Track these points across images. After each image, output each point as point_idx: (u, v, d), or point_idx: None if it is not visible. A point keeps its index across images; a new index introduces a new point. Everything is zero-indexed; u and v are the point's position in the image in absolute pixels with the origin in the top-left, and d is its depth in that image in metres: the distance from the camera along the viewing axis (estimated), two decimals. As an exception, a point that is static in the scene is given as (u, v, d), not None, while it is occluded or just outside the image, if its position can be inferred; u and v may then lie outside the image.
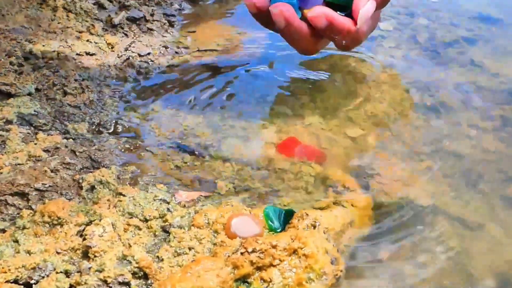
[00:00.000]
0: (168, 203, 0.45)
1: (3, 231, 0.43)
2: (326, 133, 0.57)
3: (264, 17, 0.54)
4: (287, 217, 0.44)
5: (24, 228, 0.42)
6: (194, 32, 0.75)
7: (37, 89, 0.59)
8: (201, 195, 0.47)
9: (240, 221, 0.43)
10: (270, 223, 0.44)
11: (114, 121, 0.58)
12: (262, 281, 0.39)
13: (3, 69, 0.60)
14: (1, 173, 0.47)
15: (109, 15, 0.73)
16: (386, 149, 0.56)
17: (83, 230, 0.42)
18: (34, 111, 0.56)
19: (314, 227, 0.42)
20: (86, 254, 0.40)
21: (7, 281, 0.38)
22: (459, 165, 0.54)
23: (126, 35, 0.72)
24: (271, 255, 0.39)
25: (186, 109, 0.60)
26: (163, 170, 0.51)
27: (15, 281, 0.38)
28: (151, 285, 0.39)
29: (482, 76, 0.67)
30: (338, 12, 0.53)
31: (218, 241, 0.41)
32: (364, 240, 0.46)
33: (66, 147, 0.51)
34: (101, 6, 0.74)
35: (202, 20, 0.78)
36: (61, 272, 0.39)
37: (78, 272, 0.39)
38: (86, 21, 0.71)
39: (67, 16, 0.71)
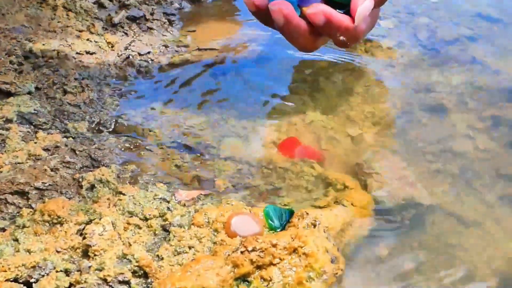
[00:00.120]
0: (168, 202, 0.45)
1: (3, 230, 0.43)
2: (327, 132, 0.57)
3: (263, 15, 0.54)
4: (287, 216, 0.44)
5: (24, 227, 0.42)
6: (194, 31, 0.75)
7: (37, 88, 0.59)
8: (201, 194, 0.47)
9: (240, 220, 0.43)
10: (270, 222, 0.44)
11: (114, 120, 0.58)
12: (262, 280, 0.39)
13: (3, 68, 0.60)
14: (1, 172, 0.47)
15: (109, 14, 0.73)
16: (386, 148, 0.56)
17: (83, 229, 0.42)
18: (34, 110, 0.56)
19: (314, 226, 0.42)
20: (86, 253, 0.40)
21: (7, 280, 0.38)
22: (459, 164, 0.54)
23: (126, 34, 0.72)
24: (271, 254, 0.39)
25: (186, 108, 0.60)
26: (163, 169, 0.51)
27: (15, 280, 0.38)
28: (151, 284, 0.39)
29: (482, 75, 0.67)
30: (337, 9, 0.53)
31: (218, 240, 0.41)
32: (364, 239, 0.46)
33: (66, 146, 0.51)
34: (101, 5, 0.74)
35: (202, 19, 0.78)
36: (61, 271, 0.39)
37: (78, 271, 0.39)
38: (86, 20, 0.71)
39: (67, 15, 0.71)
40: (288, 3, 0.52)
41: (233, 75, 0.67)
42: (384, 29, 0.76)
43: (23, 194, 0.46)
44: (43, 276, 0.39)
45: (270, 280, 0.39)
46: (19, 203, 0.45)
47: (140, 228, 0.43)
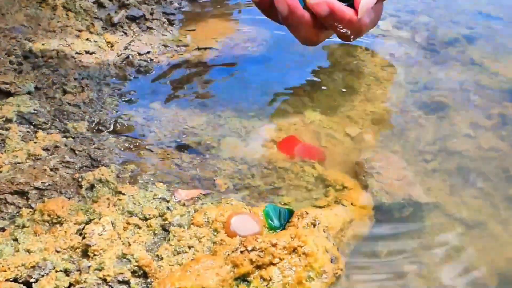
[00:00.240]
0: (168, 201, 0.45)
1: (3, 229, 0.43)
2: (326, 131, 0.57)
3: (267, 6, 0.55)
4: (287, 215, 0.44)
5: (23, 226, 0.42)
6: (193, 30, 0.75)
7: (36, 88, 0.59)
8: (201, 194, 0.47)
9: (240, 219, 0.43)
10: (270, 221, 0.43)
11: (113, 120, 0.58)
12: (262, 279, 0.39)
13: (2, 67, 0.60)
14: (1, 171, 0.47)
15: (109, 14, 0.73)
16: (386, 148, 0.56)
17: (83, 228, 0.42)
18: (34, 109, 0.56)
19: (314, 225, 0.42)
20: (85, 252, 0.40)
21: (7, 280, 0.38)
22: (459, 163, 0.54)
23: (125, 33, 0.72)
24: (271, 253, 0.39)
25: (185, 108, 0.60)
26: (162, 169, 0.51)
27: (15, 280, 0.38)
28: (150, 284, 0.39)
29: (482, 75, 0.67)
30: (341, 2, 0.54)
31: (217, 239, 0.41)
32: (364, 239, 0.46)
33: (66, 145, 0.51)
34: (100, 5, 0.74)
35: (201, 18, 0.78)
36: (60, 270, 0.39)
37: (77, 270, 0.39)
38: (86, 20, 0.71)
39: (67, 15, 0.71)
40: None
41: (232, 74, 0.67)
42: (384, 29, 0.76)
43: (22, 194, 0.46)
44: (42, 276, 0.39)
45: (270, 280, 0.39)
46: (19, 203, 0.45)
47: (139, 227, 0.43)
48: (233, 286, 0.39)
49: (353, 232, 0.46)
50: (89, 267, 0.39)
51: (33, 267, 0.39)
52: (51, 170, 0.48)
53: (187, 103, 0.61)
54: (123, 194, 0.45)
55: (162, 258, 0.40)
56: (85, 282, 0.38)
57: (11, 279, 0.38)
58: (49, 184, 0.47)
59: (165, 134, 0.56)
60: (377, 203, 0.48)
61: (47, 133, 0.53)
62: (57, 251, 0.40)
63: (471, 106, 0.62)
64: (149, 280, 0.39)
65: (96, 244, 0.40)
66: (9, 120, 0.54)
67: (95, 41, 0.68)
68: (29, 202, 0.45)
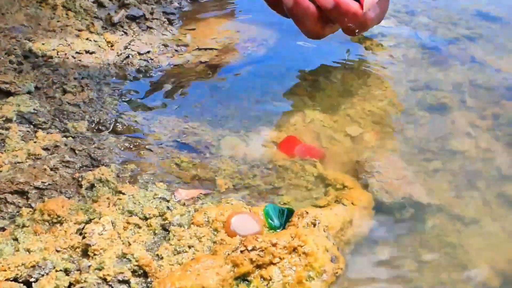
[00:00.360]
0: (168, 201, 0.45)
1: (3, 229, 0.43)
2: (327, 131, 0.57)
3: None
4: (287, 215, 0.44)
5: (23, 226, 0.42)
6: (193, 30, 0.75)
7: (36, 88, 0.59)
8: (201, 193, 0.47)
9: (240, 219, 0.43)
10: (270, 221, 0.43)
11: (113, 120, 0.57)
12: (262, 279, 0.39)
13: (2, 67, 0.60)
14: (1, 171, 0.47)
15: (109, 14, 0.73)
16: (386, 147, 0.56)
17: (83, 228, 0.42)
18: (34, 109, 0.56)
19: (314, 225, 0.42)
20: (85, 252, 0.40)
21: (7, 279, 0.38)
22: (459, 163, 0.54)
23: (125, 33, 0.72)
24: (271, 253, 0.39)
25: (185, 107, 0.60)
26: (162, 168, 0.51)
27: (15, 279, 0.38)
28: (150, 283, 0.39)
29: (482, 74, 0.67)
30: None
31: (218, 239, 0.41)
32: (364, 238, 0.46)
33: (66, 145, 0.51)
34: (100, 5, 0.74)
35: (201, 18, 0.78)
36: (60, 270, 0.39)
37: (77, 270, 0.39)
38: (86, 19, 0.71)
39: (67, 14, 0.71)
40: None
41: (233, 74, 0.66)
42: (384, 28, 0.76)
43: (22, 193, 0.46)
44: (42, 275, 0.39)
45: (270, 280, 0.39)
46: (19, 202, 0.45)
47: (139, 227, 0.43)
48: (233, 286, 0.39)
49: (353, 231, 0.46)
50: (89, 266, 0.39)
51: (33, 266, 0.39)
52: (51, 169, 0.48)
53: (187, 103, 0.61)
54: (123, 193, 0.45)
55: (162, 258, 0.40)
56: (85, 281, 0.38)
57: (11, 279, 0.38)
58: (49, 184, 0.47)
59: (165, 134, 0.56)
60: (377, 203, 0.48)
61: (47, 133, 0.53)
62: (57, 251, 0.40)
63: (472, 105, 0.62)
64: (149, 279, 0.39)
65: (96, 244, 0.40)
66: (9, 120, 0.54)
67: (95, 41, 0.68)
68: (29, 202, 0.45)
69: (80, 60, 0.65)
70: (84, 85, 0.61)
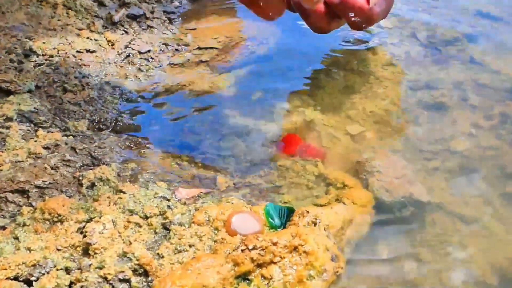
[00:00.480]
0: (169, 200, 0.45)
1: (4, 228, 0.43)
2: (327, 130, 0.57)
3: None
4: (287, 214, 0.44)
5: (24, 225, 0.42)
6: (194, 29, 0.75)
7: (37, 86, 0.59)
8: (202, 192, 0.47)
9: (241, 218, 0.43)
10: (271, 220, 0.43)
11: (114, 119, 0.57)
12: (262, 278, 0.39)
13: (3, 66, 0.60)
14: (1, 170, 0.47)
15: (109, 13, 0.73)
16: (386, 146, 0.56)
17: (84, 227, 0.42)
18: (34, 108, 0.56)
19: (315, 224, 0.42)
20: (86, 251, 0.40)
21: (8, 278, 0.38)
22: (460, 162, 0.54)
23: (126, 32, 0.71)
24: (271, 252, 0.39)
25: (186, 106, 0.60)
26: (163, 168, 0.51)
27: (16, 278, 0.38)
28: (151, 282, 0.39)
29: (482, 74, 0.67)
30: None
31: (218, 238, 0.41)
32: (364, 237, 0.46)
33: (66, 144, 0.51)
34: (101, 4, 0.74)
35: (202, 17, 0.78)
36: (61, 269, 0.39)
37: (78, 269, 0.39)
38: (86, 18, 0.71)
39: (67, 13, 0.71)
40: None
41: (233, 73, 0.66)
42: (384, 28, 0.76)
43: (23, 192, 0.46)
44: (43, 274, 0.39)
45: (271, 279, 0.39)
46: (20, 201, 0.45)
47: (140, 226, 0.43)
48: (234, 285, 0.39)
49: (353, 230, 0.46)
50: (90, 265, 0.39)
51: (34, 265, 0.39)
52: (52, 168, 0.48)
53: (187, 102, 0.61)
54: (124, 192, 0.45)
55: (162, 257, 0.40)
56: (86, 280, 0.38)
57: (11, 278, 0.38)
58: (49, 183, 0.47)
59: (166, 133, 0.56)
60: (378, 202, 0.48)
61: (48, 132, 0.53)
62: (58, 250, 0.40)
63: (472, 104, 0.62)
64: (149, 278, 0.39)
65: (97, 243, 0.40)
66: (9, 119, 0.54)
67: (96, 40, 0.68)
68: (29, 201, 0.45)
69: (80, 59, 0.65)
70: (85, 84, 0.61)
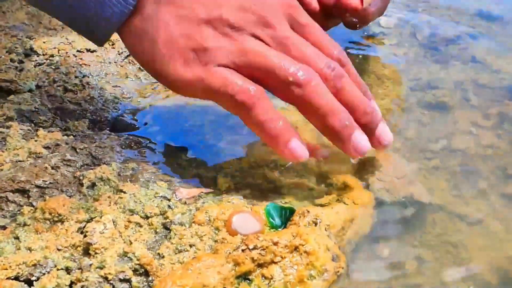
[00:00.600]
0: (169, 200, 0.45)
1: (4, 228, 0.43)
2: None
3: None
4: (288, 214, 0.44)
5: (24, 225, 0.42)
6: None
7: (37, 86, 0.59)
8: (202, 192, 0.47)
9: (241, 218, 0.43)
10: (271, 220, 0.43)
11: (114, 118, 0.57)
12: (263, 278, 0.39)
13: (3, 65, 0.60)
14: (2, 170, 0.47)
15: (110, 12, 0.73)
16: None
17: (84, 227, 0.42)
18: (35, 108, 0.56)
19: (315, 224, 0.42)
20: (87, 251, 0.40)
21: (8, 278, 0.38)
22: (461, 161, 0.54)
23: (126, 32, 0.71)
24: (272, 252, 0.39)
25: (187, 106, 0.60)
26: (163, 167, 0.51)
27: (16, 278, 0.38)
28: (152, 282, 0.39)
29: (483, 73, 0.67)
30: None
31: (219, 238, 0.41)
32: (365, 237, 0.46)
33: (67, 144, 0.51)
34: (101, 3, 0.74)
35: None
36: (62, 269, 0.39)
37: (79, 269, 0.39)
38: (87, 17, 0.71)
39: (68, 12, 0.71)
40: None
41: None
42: (385, 27, 0.76)
43: (23, 192, 0.46)
44: (44, 274, 0.39)
45: (271, 278, 0.39)
46: (20, 201, 0.45)
47: (141, 226, 0.43)
48: (235, 285, 0.39)
49: (354, 230, 0.46)
50: (90, 265, 0.39)
51: (34, 265, 0.39)
52: (52, 168, 0.48)
53: (188, 102, 0.61)
54: (124, 192, 0.45)
55: (163, 257, 0.40)
56: (86, 280, 0.38)
57: (12, 277, 0.38)
58: (50, 182, 0.47)
59: (166, 132, 0.56)
60: (379, 202, 0.48)
61: (48, 131, 0.53)
62: (58, 249, 0.40)
63: (473, 104, 0.62)
64: (150, 278, 0.39)
65: (97, 243, 0.40)
66: (10, 118, 0.54)
67: (96, 39, 0.68)
68: (30, 200, 0.45)
69: (81, 59, 0.65)
70: (85, 84, 0.61)
